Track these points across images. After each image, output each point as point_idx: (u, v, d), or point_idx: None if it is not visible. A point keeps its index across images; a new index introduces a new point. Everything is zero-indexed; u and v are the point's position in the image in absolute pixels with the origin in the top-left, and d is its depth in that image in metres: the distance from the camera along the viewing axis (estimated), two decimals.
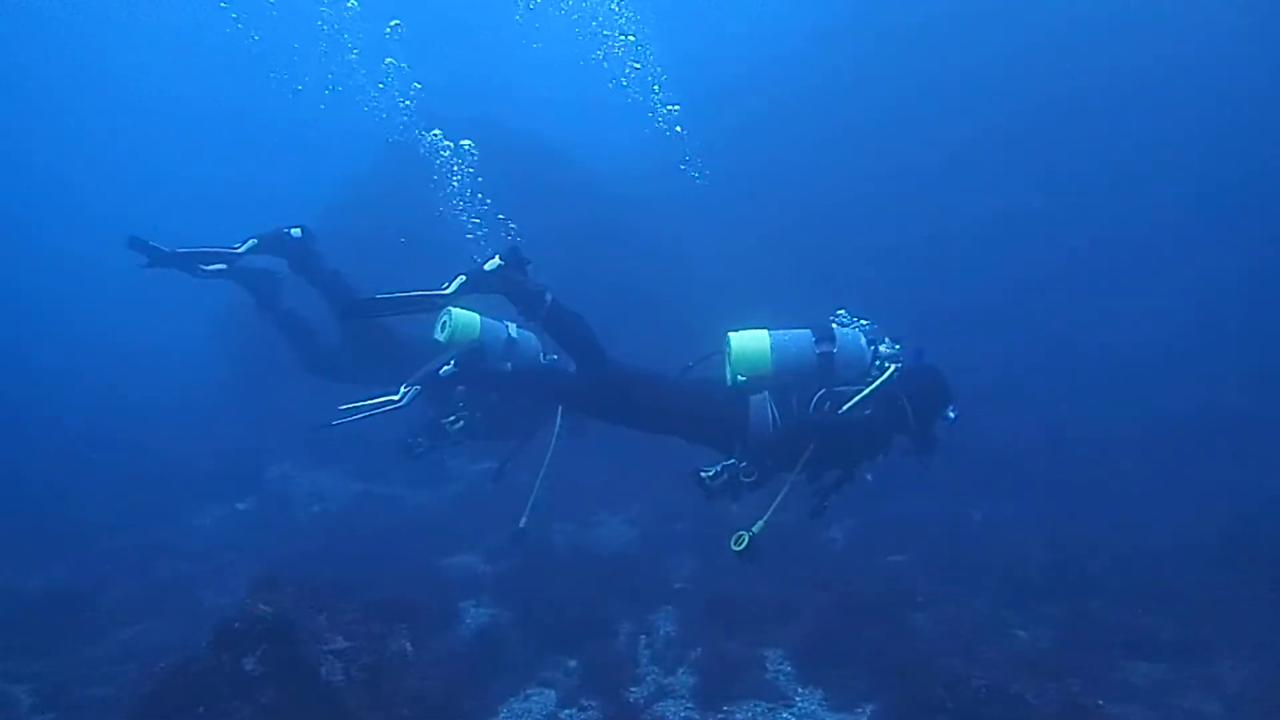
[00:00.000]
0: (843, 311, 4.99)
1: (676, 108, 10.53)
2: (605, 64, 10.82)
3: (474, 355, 5.20)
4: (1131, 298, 10.75)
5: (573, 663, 5.98)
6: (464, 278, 4.69)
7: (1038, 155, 12.71)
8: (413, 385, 5.03)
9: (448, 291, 4.64)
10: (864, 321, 4.97)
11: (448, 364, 5.14)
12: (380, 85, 10.42)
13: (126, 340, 12.80)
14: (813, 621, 6.32)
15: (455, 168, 8.40)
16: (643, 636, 6.41)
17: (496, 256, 4.73)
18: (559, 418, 6.08)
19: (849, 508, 4.83)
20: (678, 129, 10.71)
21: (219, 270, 6.50)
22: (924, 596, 6.61)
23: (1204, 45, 12.88)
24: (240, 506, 9.36)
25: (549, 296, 4.71)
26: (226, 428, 10.77)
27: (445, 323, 5.70)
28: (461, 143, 8.43)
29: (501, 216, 8.35)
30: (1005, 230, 11.67)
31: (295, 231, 6.48)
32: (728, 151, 12.39)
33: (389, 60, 10.57)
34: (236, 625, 4.41)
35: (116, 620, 6.86)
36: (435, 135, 8.43)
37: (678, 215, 11.86)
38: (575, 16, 11.41)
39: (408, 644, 4.89)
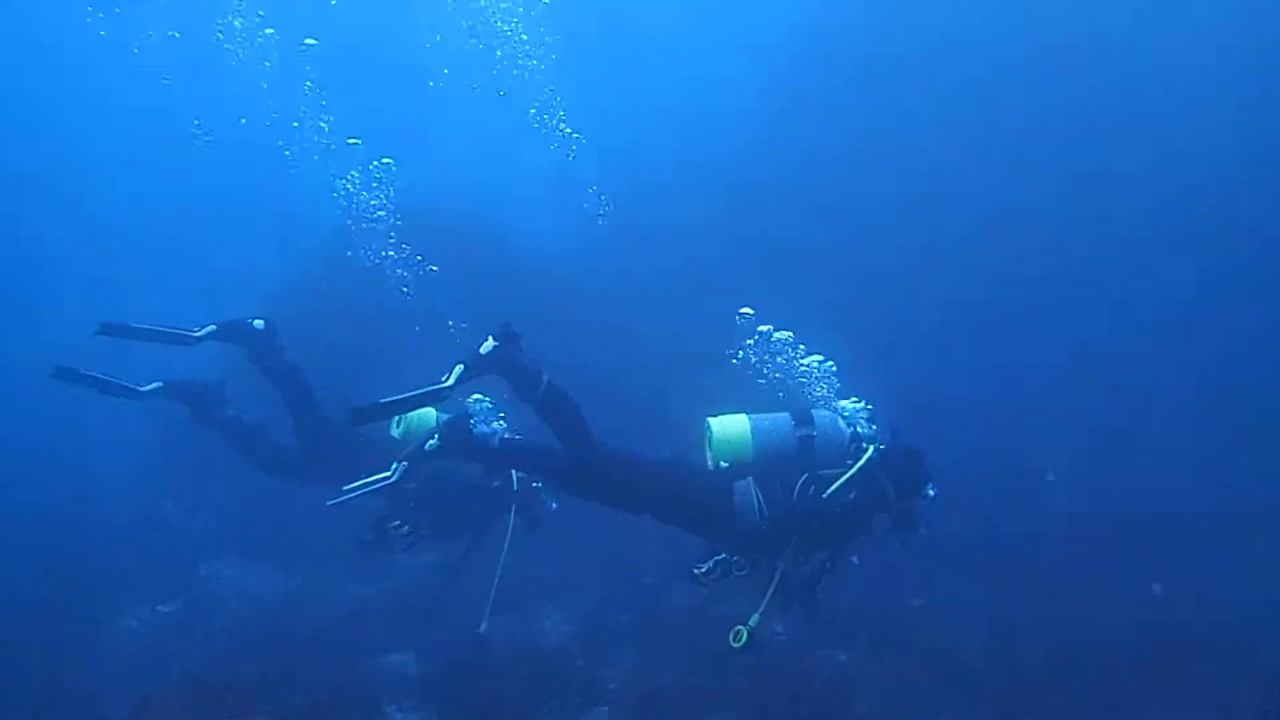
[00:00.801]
0: (761, 322, 4.96)
1: (580, 137, 10.52)
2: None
3: (460, 428, 4.88)
4: (1082, 384, 10.38)
5: None
6: (462, 366, 4.41)
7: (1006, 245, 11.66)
8: (402, 461, 4.82)
9: (448, 383, 4.36)
10: (787, 334, 5.04)
11: (432, 439, 4.84)
12: (295, 124, 10.18)
13: (54, 426, 11.73)
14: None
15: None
16: None
17: (490, 338, 4.49)
18: (512, 515, 5.81)
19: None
20: (592, 189, 10.71)
21: (156, 389, 6.10)
22: None
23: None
24: (163, 609, 8.56)
25: (545, 377, 4.50)
26: (157, 518, 9.99)
27: (400, 419, 5.49)
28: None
29: (420, 258, 8.17)
30: (957, 312, 10.95)
31: (258, 323, 6.13)
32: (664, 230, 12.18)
33: (309, 85, 10.34)
34: None
35: None
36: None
37: (611, 289, 11.43)
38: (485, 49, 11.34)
39: None
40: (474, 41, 11.85)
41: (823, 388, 5.25)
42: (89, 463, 11.28)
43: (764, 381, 5.46)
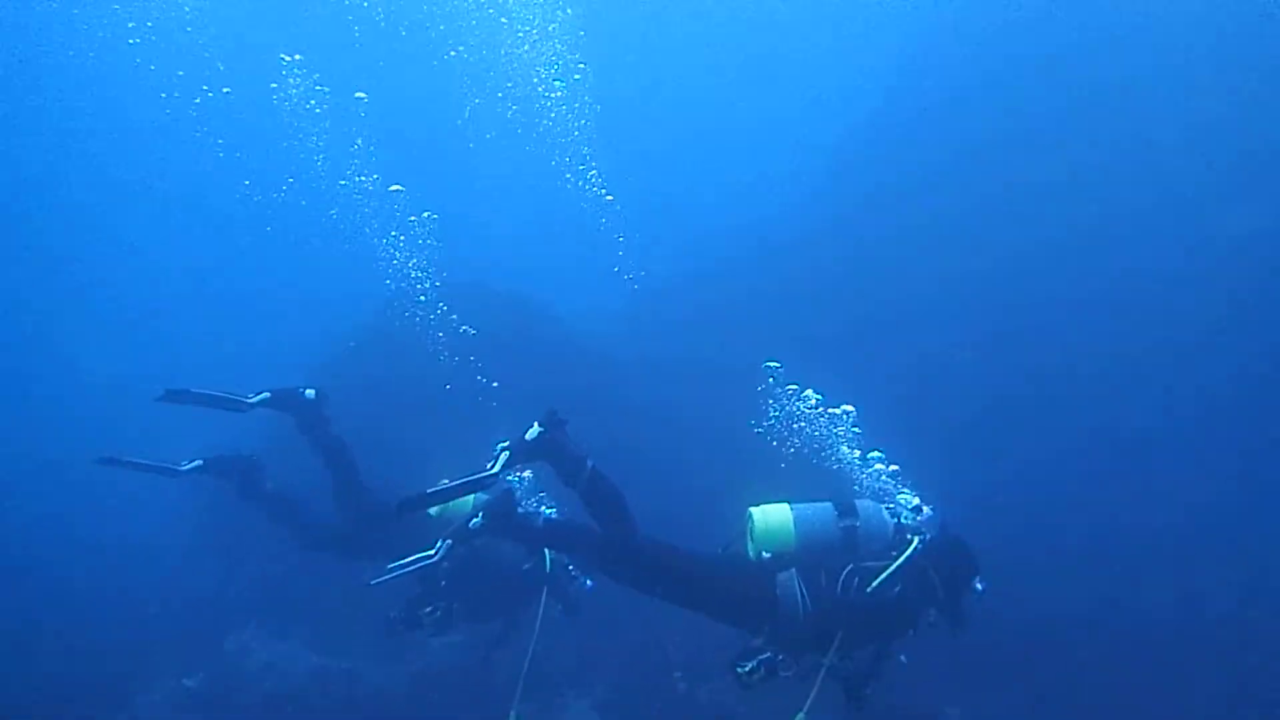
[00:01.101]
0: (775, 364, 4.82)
1: (611, 198, 10.61)
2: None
3: (505, 507, 4.82)
4: (1130, 480, 9.80)
5: None
6: (508, 452, 4.42)
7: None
8: (445, 540, 4.77)
9: (494, 470, 4.37)
10: (814, 396, 4.99)
11: (475, 517, 4.80)
12: (345, 180, 10.32)
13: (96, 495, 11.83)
14: None
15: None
16: None
17: (536, 424, 4.49)
18: (543, 599, 5.69)
19: (827, 704, 4.47)
20: (619, 238, 10.77)
21: (196, 467, 6.14)
22: None
23: None
24: (188, 683, 8.42)
25: (590, 463, 4.46)
26: (187, 589, 9.95)
27: None
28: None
29: (454, 317, 8.16)
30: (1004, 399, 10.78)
31: (309, 392, 6.18)
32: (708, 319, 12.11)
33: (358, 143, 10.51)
34: None
35: None
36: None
37: (650, 363, 11.34)
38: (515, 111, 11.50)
39: None
40: (513, 109, 12.20)
41: (848, 443, 5.19)
42: (121, 532, 11.31)
43: (791, 450, 5.42)
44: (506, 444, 4.44)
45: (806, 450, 5.54)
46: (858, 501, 4.62)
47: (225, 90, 14.04)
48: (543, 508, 5.69)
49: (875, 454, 5.27)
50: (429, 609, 5.59)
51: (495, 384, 8.40)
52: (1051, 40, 13.05)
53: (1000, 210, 12.10)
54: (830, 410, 5.36)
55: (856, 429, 5.33)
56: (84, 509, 11.97)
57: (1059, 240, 11.74)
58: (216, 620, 9.21)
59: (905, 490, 5.03)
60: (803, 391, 5.42)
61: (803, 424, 5.54)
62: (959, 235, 12.02)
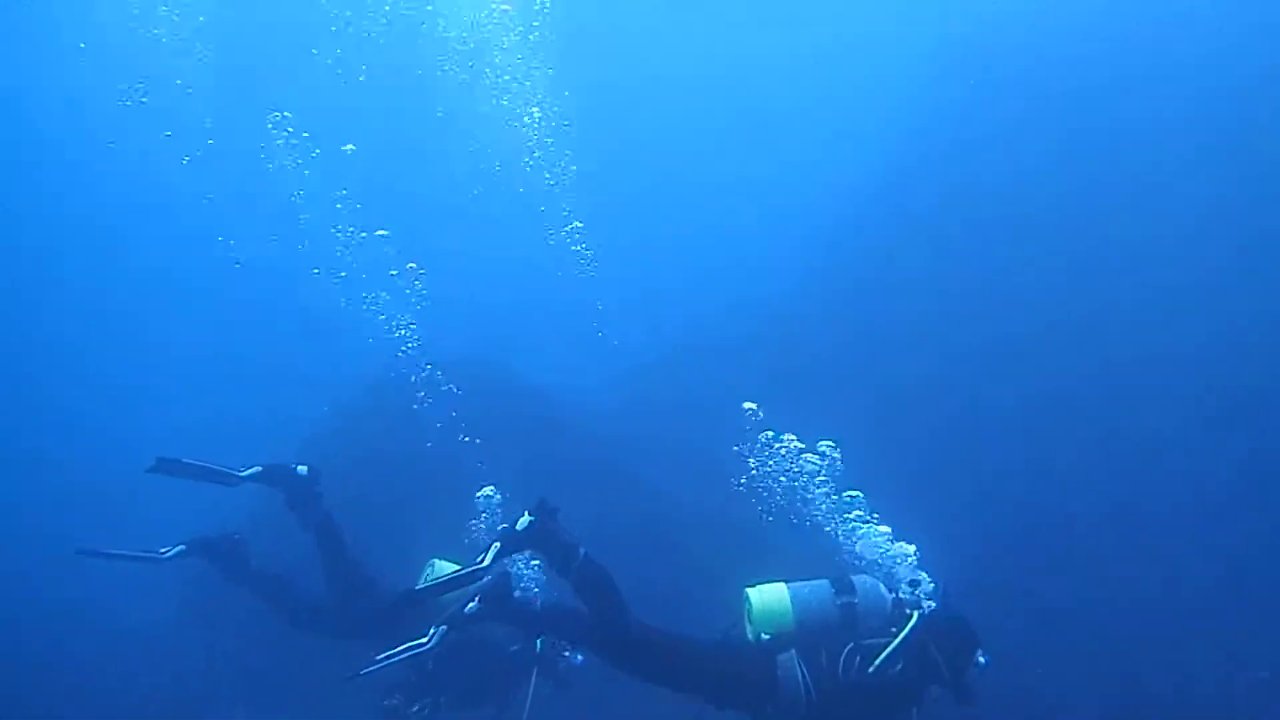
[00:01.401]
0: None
1: (591, 256, 10.71)
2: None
3: (501, 591, 4.77)
4: (1124, 557, 9.69)
5: None
6: (499, 544, 4.44)
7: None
8: (440, 625, 4.70)
9: (486, 563, 4.40)
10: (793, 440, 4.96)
11: (471, 602, 4.75)
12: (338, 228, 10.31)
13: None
14: None
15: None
16: None
17: (526, 513, 4.50)
18: (533, 680, 5.62)
19: None
20: (599, 306, 10.81)
21: (179, 552, 6.08)
22: None
23: None
24: None
25: (582, 551, 4.44)
26: (173, 665, 9.71)
27: (428, 575, 5.51)
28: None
29: (441, 373, 8.10)
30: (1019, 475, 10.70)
31: (301, 469, 6.18)
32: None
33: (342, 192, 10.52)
34: None
35: None
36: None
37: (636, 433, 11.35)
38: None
39: None
40: (498, 165, 12.35)
41: (829, 486, 5.23)
42: (107, 606, 11.08)
43: (770, 511, 5.39)
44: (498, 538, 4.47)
45: (785, 502, 5.54)
46: (854, 577, 4.60)
47: (210, 142, 14.20)
48: (531, 562, 5.64)
49: (853, 493, 5.28)
50: (416, 708, 5.51)
51: (479, 441, 8.41)
52: (1043, 131, 13.26)
53: (998, 286, 12.20)
54: (808, 456, 5.36)
55: (832, 482, 5.33)
56: (69, 580, 11.71)
57: (1058, 317, 11.77)
58: (202, 702, 9.04)
59: (882, 523, 5.07)
60: (779, 436, 5.42)
61: (780, 457, 5.55)
62: (959, 306, 12.09)
